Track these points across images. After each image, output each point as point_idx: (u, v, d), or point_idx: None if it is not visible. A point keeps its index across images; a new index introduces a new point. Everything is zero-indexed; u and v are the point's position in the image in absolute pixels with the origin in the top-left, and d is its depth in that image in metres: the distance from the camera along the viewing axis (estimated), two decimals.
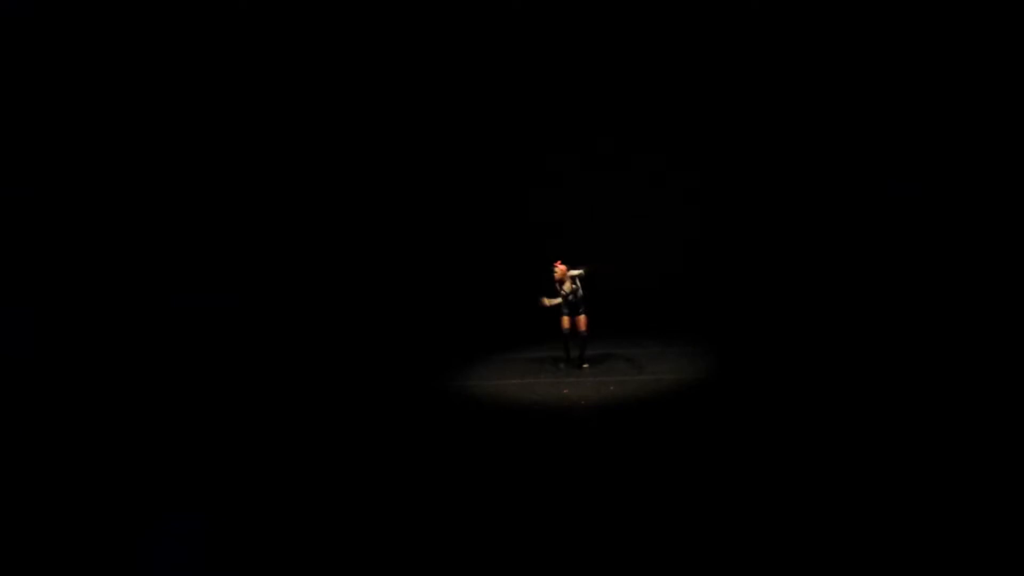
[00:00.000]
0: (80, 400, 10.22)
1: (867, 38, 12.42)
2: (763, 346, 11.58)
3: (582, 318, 10.76)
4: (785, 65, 13.08)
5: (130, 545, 6.06)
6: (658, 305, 13.77)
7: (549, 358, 11.37)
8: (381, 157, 14.41)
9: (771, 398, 9.06)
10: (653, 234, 14.39)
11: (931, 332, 10.78)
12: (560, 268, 10.72)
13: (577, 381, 10.31)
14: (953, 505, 5.94)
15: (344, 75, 13.90)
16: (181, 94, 13.33)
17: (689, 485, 6.67)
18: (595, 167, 14.45)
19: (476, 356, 11.97)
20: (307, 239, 14.19)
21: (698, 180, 14.08)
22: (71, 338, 11.57)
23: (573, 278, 10.71)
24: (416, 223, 14.47)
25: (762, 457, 7.18)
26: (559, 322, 10.84)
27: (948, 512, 5.84)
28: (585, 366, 10.87)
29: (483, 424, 8.89)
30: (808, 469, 6.85)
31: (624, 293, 13.96)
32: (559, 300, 10.67)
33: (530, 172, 14.51)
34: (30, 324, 11.48)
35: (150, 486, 7.26)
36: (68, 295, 12.16)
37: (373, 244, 14.34)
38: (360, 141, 14.30)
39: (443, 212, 14.57)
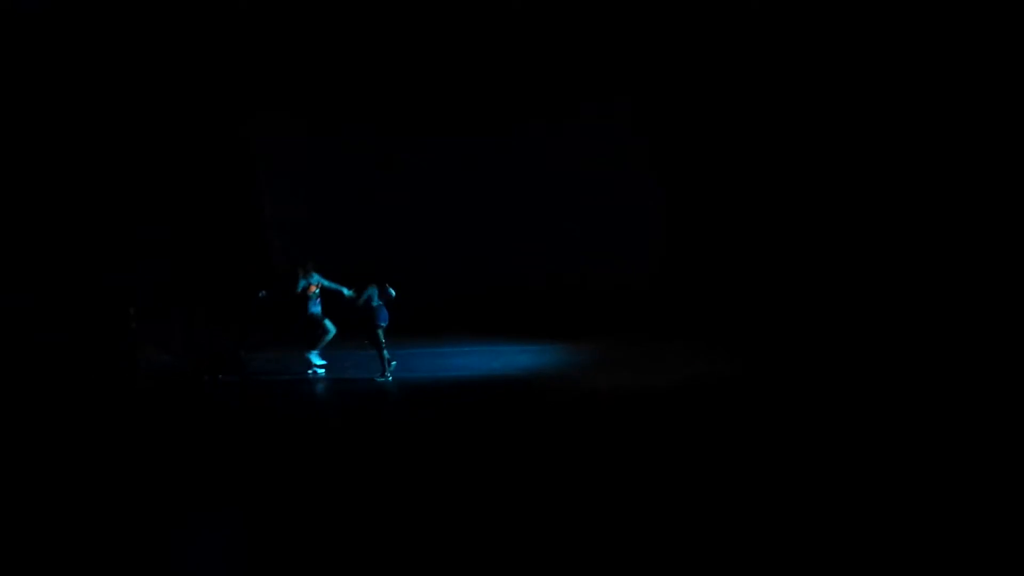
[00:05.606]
0: (105, 399, 10.11)
1: (867, 39, 12.45)
2: (764, 344, 11.64)
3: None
4: (785, 66, 13.09)
5: (162, 543, 5.97)
6: (656, 304, 13.73)
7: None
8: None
9: (771, 397, 9.11)
10: (648, 233, 14.34)
11: (930, 330, 10.88)
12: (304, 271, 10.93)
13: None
14: (953, 505, 5.93)
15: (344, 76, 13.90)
16: (182, 94, 13.28)
17: (689, 485, 6.63)
18: (577, 164, 14.33)
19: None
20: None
21: (689, 178, 13.97)
22: (90, 331, 11.45)
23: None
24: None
25: (767, 461, 7.14)
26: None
27: (947, 511, 5.83)
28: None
29: (475, 418, 8.95)
30: (811, 468, 6.87)
31: (621, 293, 13.94)
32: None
33: (518, 169, 14.40)
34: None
35: (183, 484, 7.16)
36: (69, 294, 12.06)
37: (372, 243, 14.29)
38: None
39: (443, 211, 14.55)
